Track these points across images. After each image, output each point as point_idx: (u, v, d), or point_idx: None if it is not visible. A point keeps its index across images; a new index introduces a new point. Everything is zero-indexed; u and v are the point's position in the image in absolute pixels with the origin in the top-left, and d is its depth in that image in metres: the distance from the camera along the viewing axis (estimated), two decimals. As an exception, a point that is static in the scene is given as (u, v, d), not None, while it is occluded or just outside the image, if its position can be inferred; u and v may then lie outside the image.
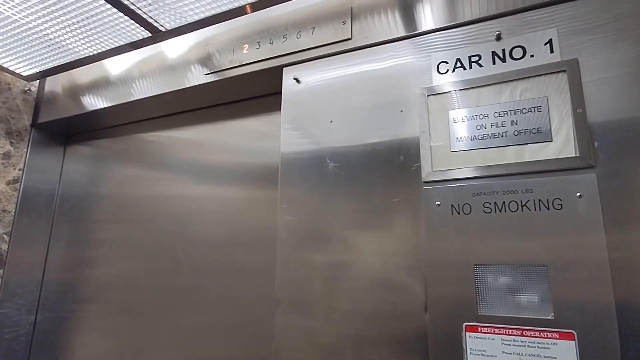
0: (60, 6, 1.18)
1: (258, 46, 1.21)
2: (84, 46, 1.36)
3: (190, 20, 1.20)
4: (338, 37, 1.09)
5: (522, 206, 0.79)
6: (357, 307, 0.91)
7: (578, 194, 0.75)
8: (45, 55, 1.43)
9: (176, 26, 1.23)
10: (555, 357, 0.70)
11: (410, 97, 0.97)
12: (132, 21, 1.21)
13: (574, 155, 0.77)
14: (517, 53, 0.88)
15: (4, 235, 1.56)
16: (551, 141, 0.79)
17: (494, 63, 0.90)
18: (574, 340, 0.70)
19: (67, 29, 1.28)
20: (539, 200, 0.77)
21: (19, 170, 1.63)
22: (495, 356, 0.74)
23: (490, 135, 0.85)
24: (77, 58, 1.43)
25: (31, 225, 1.65)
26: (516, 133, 0.83)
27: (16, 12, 1.22)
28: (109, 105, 1.52)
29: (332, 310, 0.93)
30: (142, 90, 1.45)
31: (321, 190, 1.01)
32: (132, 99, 1.46)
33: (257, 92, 1.35)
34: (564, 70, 0.81)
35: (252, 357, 1.20)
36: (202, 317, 1.31)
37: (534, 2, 0.89)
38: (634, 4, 0.80)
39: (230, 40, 1.28)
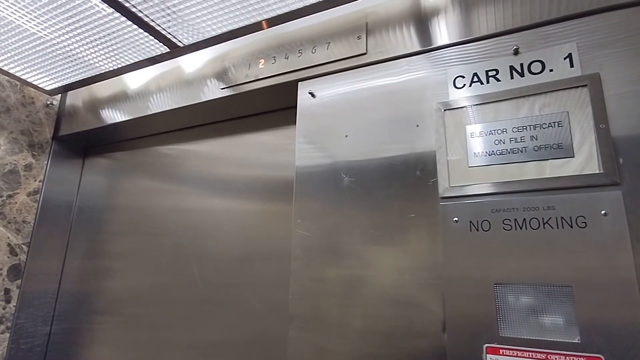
0: (83, 23, 1.22)
1: (274, 61, 1.23)
2: (105, 61, 1.40)
3: (208, 36, 1.22)
4: (353, 52, 1.10)
5: (543, 223, 0.76)
6: (372, 325, 0.89)
7: (603, 212, 0.72)
8: (68, 70, 1.48)
9: (194, 42, 1.25)
10: (581, 383, 0.67)
11: (426, 112, 0.96)
12: (152, 37, 1.24)
13: (597, 172, 0.75)
14: (536, 67, 0.86)
15: (23, 246, 1.59)
16: (573, 157, 0.77)
17: (512, 77, 0.88)
18: (602, 365, 0.66)
19: (89, 45, 1.32)
20: (562, 217, 0.75)
21: (39, 181, 1.66)
22: (518, 380, 0.72)
23: (509, 150, 0.84)
24: (98, 73, 1.47)
25: (49, 236, 1.68)
26: (536, 148, 0.81)
27: (41, 28, 1.26)
28: (127, 118, 1.55)
29: (347, 327, 0.91)
30: (159, 104, 1.47)
31: (336, 204, 1.01)
32: (150, 113, 1.49)
33: (272, 106, 1.36)
34: (585, 85, 0.80)
35: (264, 373, 1.18)
36: (216, 330, 1.30)
37: (552, 16, 0.88)
38: (657, 18, 0.79)
39: (246, 55, 1.30)
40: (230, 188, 1.42)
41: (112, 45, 1.31)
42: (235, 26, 1.17)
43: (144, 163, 1.67)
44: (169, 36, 1.23)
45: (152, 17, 1.15)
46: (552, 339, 0.71)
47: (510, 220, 0.80)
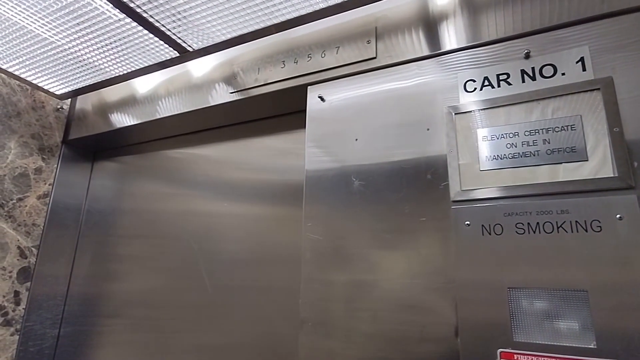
0: (94, 28, 1.23)
1: (283, 65, 1.23)
2: (115, 66, 1.41)
3: (217, 40, 1.23)
4: (363, 56, 1.10)
5: (557, 227, 0.76)
6: (383, 330, 0.88)
7: (618, 216, 0.72)
8: (78, 75, 1.49)
9: (203, 46, 1.26)
10: (598, 389, 0.66)
11: (436, 116, 0.96)
12: (162, 42, 1.25)
13: (612, 176, 0.74)
14: (548, 71, 0.86)
15: (33, 249, 1.60)
16: (587, 160, 0.77)
17: (523, 81, 0.88)
18: (619, 371, 0.66)
19: (99, 50, 1.33)
20: (576, 221, 0.75)
21: (49, 185, 1.68)
22: (533, 386, 0.71)
23: (521, 154, 0.83)
24: (108, 77, 1.48)
25: (58, 239, 1.69)
26: (549, 152, 0.81)
27: (52, 34, 1.27)
28: (135, 122, 1.56)
29: (358, 331, 0.91)
30: (168, 108, 1.48)
31: (346, 208, 1.01)
32: (158, 117, 1.50)
33: (281, 110, 1.37)
34: (598, 89, 0.80)
35: (273, 377, 1.18)
36: (224, 334, 1.30)
37: (563, 20, 0.88)
38: (670, 21, 0.78)
39: (255, 60, 1.31)
40: (238, 192, 1.43)
41: (122, 50, 1.32)
42: (245, 31, 1.18)
43: (152, 167, 1.68)
44: (178, 41, 1.24)
45: (162, 22, 1.16)
46: (567, 344, 0.70)
47: (523, 224, 0.79)
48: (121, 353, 1.50)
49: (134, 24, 1.18)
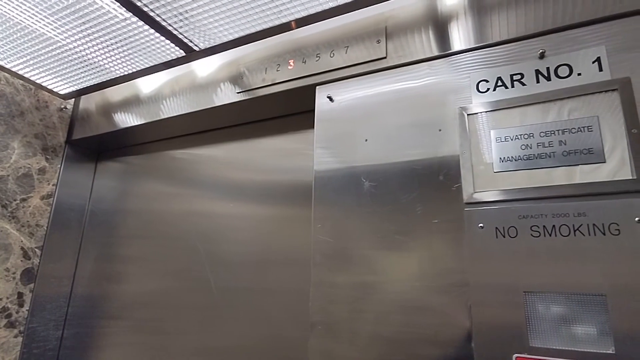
0: (99, 28, 1.22)
1: (291, 65, 1.22)
2: (119, 66, 1.40)
3: (224, 40, 1.21)
4: (372, 56, 1.09)
5: (574, 230, 0.75)
6: (397, 333, 0.87)
7: (637, 219, 0.70)
8: (82, 75, 1.48)
9: (210, 46, 1.25)
10: (618, 395, 0.65)
11: (448, 116, 0.95)
12: (168, 41, 1.23)
13: (631, 178, 0.73)
14: (563, 71, 0.85)
15: (36, 250, 1.58)
16: (604, 162, 0.76)
17: (537, 82, 0.87)
18: (639, 377, 0.65)
19: (104, 49, 1.31)
20: (594, 224, 0.73)
21: (53, 185, 1.66)
22: (550, 392, 0.70)
23: (536, 155, 0.82)
24: (112, 77, 1.46)
25: (62, 239, 1.67)
26: (565, 153, 0.80)
27: (57, 33, 1.26)
28: (139, 122, 1.54)
29: (370, 335, 0.90)
30: (173, 109, 1.47)
31: (357, 209, 0.99)
32: (163, 117, 1.49)
33: (289, 111, 1.35)
34: (616, 89, 0.78)
35: (280, 380, 1.17)
36: (229, 336, 1.29)
37: (579, 19, 0.87)
38: (689, 21, 0.77)
39: (262, 59, 1.29)
40: (244, 193, 1.42)
41: (127, 49, 1.31)
42: (252, 30, 1.16)
43: (157, 167, 1.67)
44: (185, 40, 1.22)
45: (169, 21, 1.15)
46: (585, 350, 0.69)
47: (538, 227, 0.78)
48: (125, 355, 1.49)
49: (140, 23, 1.17)
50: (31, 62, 1.42)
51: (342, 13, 1.08)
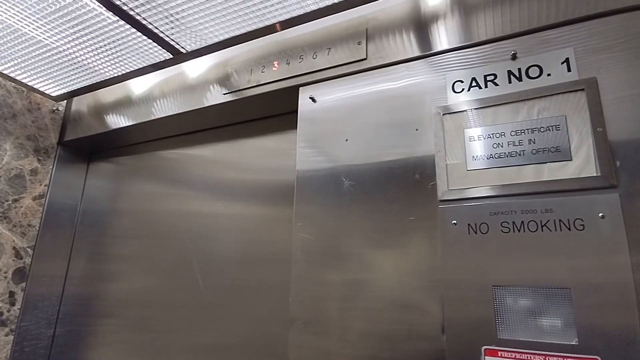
0: (88, 31, 1.24)
1: (275, 67, 1.24)
2: (109, 68, 1.42)
3: (210, 42, 1.24)
4: (353, 57, 1.11)
5: (541, 226, 0.77)
6: (373, 328, 0.89)
7: (600, 214, 0.73)
8: (73, 77, 1.50)
9: (196, 48, 1.27)
10: (580, 385, 0.67)
11: (425, 116, 0.97)
12: (155, 44, 1.26)
13: (595, 175, 0.75)
14: (534, 72, 0.87)
15: (28, 249, 1.61)
16: (571, 160, 0.78)
17: (509, 82, 0.89)
18: (600, 367, 0.67)
19: (94, 52, 1.34)
20: (560, 220, 0.76)
21: (45, 186, 1.69)
22: (517, 382, 0.72)
23: (507, 153, 0.84)
24: (103, 79, 1.49)
25: (54, 239, 1.70)
26: (534, 152, 0.82)
27: (47, 36, 1.28)
28: (131, 123, 1.57)
29: (347, 330, 0.92)
30: (163, 109, 1.49)
31: (336, 208, 1.02)
32: (153, 118, 1.51)
33: (274, 111, 1.38)
34: (582, 89, 0.81)
35: (265, 376, 1.19)
36: (218, 333, 1.31)
37: (550, 21, 0.89)
38: (653, 23, 0.80)
39: (248, 61, 1.32)
40: (232, 192, 1.44)
41: (116, 52, 1.33)
42: (237, 33, 1.19)
43: (147, 167, 1.69)
44: (172, 43, 1.25)
45: (155, 25, 1.17)
46: (550, 341, 0.71)
47: (508, 223, 0.80)
48: (116, 353, 1.51)
49: (128, 26, 1.19)
50: (23, 64, 1.44)
51: (325, 15, 1.10)
